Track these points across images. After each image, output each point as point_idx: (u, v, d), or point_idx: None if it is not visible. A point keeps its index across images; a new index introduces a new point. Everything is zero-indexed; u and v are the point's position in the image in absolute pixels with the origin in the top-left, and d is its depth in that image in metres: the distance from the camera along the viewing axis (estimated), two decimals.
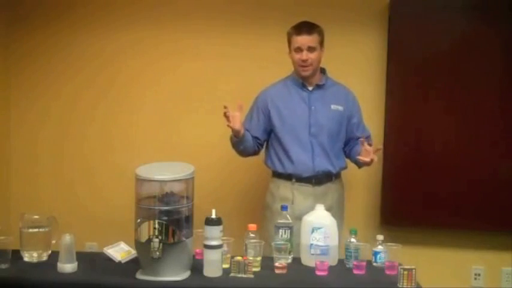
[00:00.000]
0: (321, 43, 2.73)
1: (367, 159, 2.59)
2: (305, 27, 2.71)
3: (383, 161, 3.27)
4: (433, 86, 3.20)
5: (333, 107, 2.76)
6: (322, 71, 2.83)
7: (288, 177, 2.74)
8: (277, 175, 2.79)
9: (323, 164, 2.73)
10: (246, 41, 3.28)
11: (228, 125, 2.57)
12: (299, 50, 2.69)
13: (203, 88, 3.45)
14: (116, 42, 3.51)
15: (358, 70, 3.34)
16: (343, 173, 2.87)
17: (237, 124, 2.59)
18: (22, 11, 3.56)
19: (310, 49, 2.69)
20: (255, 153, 2.83)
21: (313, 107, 2.74)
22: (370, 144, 2.61)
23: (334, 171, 2.76)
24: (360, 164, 2.74)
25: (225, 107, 2.53)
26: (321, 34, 2.73)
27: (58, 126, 3.59)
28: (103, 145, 3.56)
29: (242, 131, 2.64)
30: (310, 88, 2.77)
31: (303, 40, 2.68)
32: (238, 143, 2.70)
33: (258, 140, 2.79)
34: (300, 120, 2.73)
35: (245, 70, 3.34)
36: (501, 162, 3.16)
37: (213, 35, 3.43)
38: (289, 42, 2.75)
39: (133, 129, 3.54)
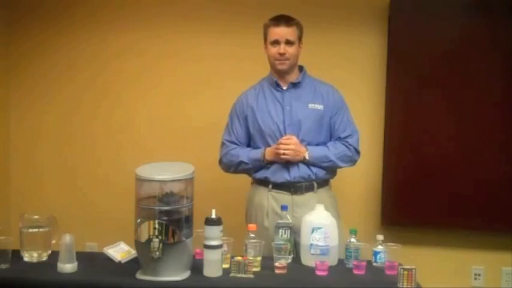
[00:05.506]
0: (300, 38, 2.59)
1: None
2: (283, 19, 2.55)
3: (383, 160, 3.28)
4: (433, 85, 3.20)
5: (310, 106, 2.58)
6: (300, 68, 2.66)
7: (264, 182, 2.58)
8: (255, 181, 2.64)
9: (301, 169, 2.53)
10: (246, 42, 3.28)
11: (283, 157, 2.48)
12: (276, 43, 2.53)
13: (203, 88, 3.45)
14: (116, 43, 3.51)
15: (358, 70, 3.34)
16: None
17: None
18: (22, 11, 3.57)
19: (288, 43, 2.53)
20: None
21: (287, 107, 2.57)
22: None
23: (313, 176, 2.55)
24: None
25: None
26: (299, 28, 2.58)
27: (58, 126, 3.60)
28: (103, 145, 3.56)
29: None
30: (284, 87, 2.61)
31: (282, 32, 2.53)
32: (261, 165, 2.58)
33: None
34: (274, 121, 2.57)
35: (246, 71, 3.33)
36: (501, 162, 3.16)
37: (213, 35, 3.43)
38: (266, 35, 2.59)
39: (134, 129, 3.54)
